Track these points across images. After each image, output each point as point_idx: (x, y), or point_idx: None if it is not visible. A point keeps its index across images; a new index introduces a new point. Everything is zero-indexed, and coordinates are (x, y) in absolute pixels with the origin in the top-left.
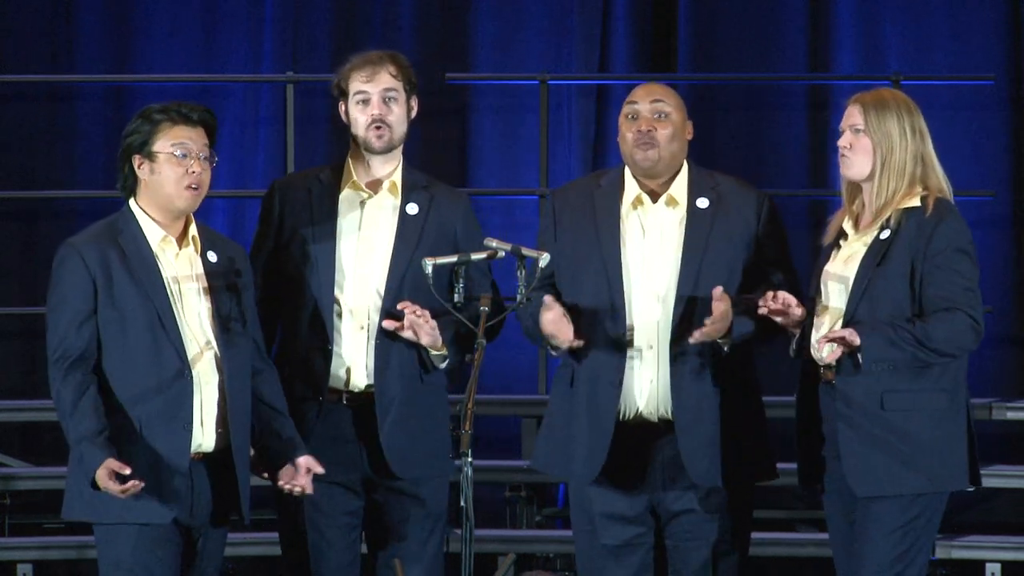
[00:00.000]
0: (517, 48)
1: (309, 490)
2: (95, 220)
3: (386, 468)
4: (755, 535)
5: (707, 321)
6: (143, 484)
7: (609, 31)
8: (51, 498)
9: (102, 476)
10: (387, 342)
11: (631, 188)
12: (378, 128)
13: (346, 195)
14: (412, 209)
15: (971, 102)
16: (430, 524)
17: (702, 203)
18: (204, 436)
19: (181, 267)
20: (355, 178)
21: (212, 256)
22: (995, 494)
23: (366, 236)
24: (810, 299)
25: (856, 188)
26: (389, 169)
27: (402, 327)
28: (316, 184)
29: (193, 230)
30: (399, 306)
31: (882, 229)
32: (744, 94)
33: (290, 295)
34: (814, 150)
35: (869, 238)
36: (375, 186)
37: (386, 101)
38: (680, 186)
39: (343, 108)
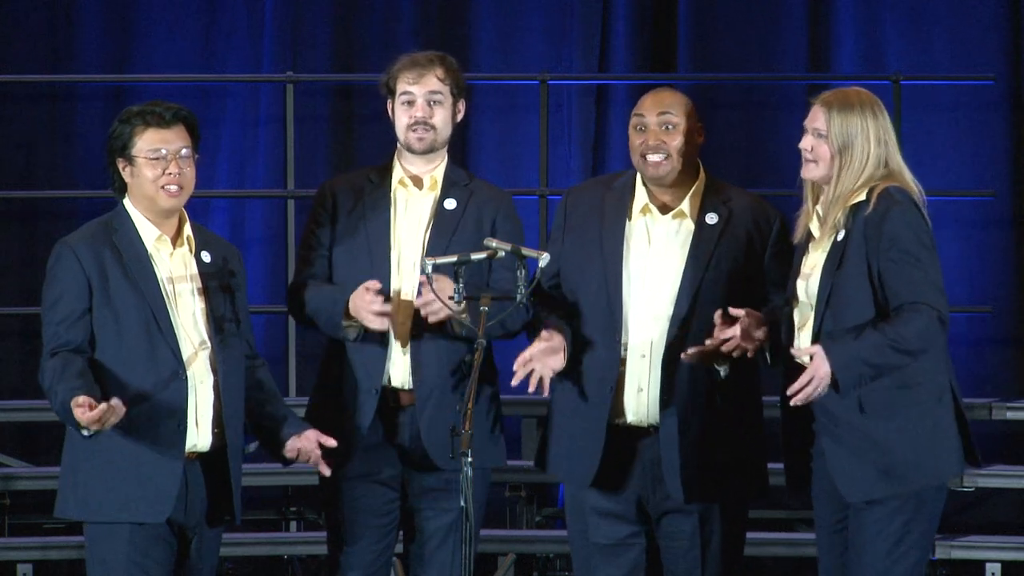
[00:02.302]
0: (517, 48)
1: (323, 467)
2: None
3: (426, 464)
4: (755, 535)
5: (710, 341)
6: (120, 406)
7: (609, 31)
8: (51, 498)
9: (77, 413)
10: (424, 335)
11: (640, 197)
12: (418, 130)
13: (396, 193)
14: (450, 204)
15: (971, 102)
16: (459, 530)
17: (711, 218)
18: (199, 436)
19: (176, 267)
20: (403, 176)
21: (206, 256)
22: (995, 494)
23: (407, 231)
24: (787, 302)
25: (819, 187)
26: (432, 166)
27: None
28: (367, 184)
29: (188, 230)
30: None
31: (837, 232)
32: (744, 94)
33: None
34: None
35: (828, 243)
36: (420, 183)
37: (430, 104)
38: (691, 200)
39: (389, 107)
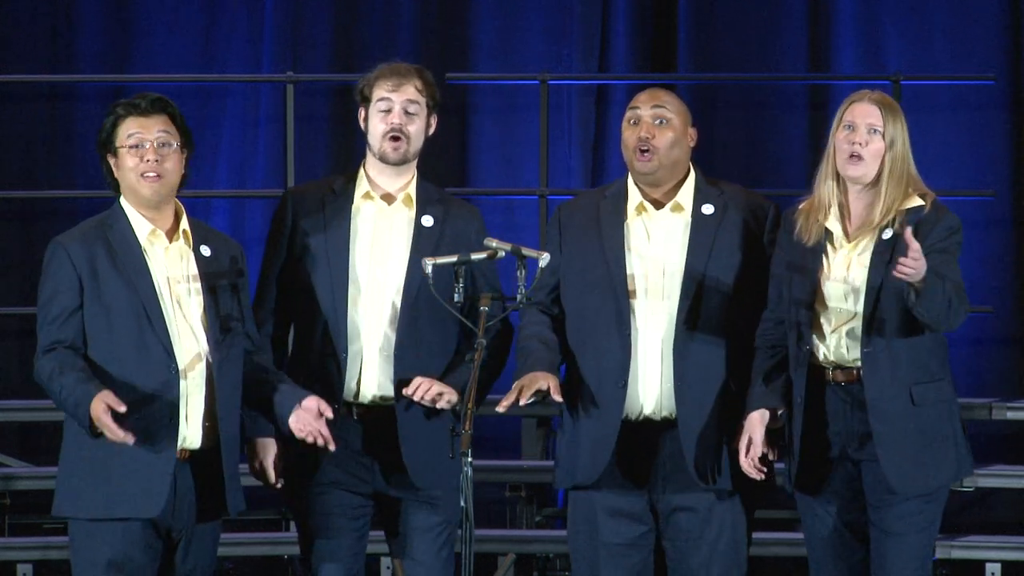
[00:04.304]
0: (517, 48)
1: (330, 443)
2: None
3: (400, 480)
4: (755, 535)
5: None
6: (133, 438)
7: (609, 31)
8: (51, 498)
9: (96, 409)
10: (404, 353)
11: (634, 197)
12: (395, 139)
13: (360, 206)
14: (427, 221)
15: (971, 102)
16: (447, 531)
17: (707, 209)
18: (189, 432)
19: (171, 261)
20: (369, 189)
21: (205, 250)
22: (995, 494)
23: (381, 247)
24: (802, 304)
25: (844, 187)
26: (403, 181)
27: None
28: (330, 194)
29: (184, 224)
30: (406, 392)
31: (883, 230)
32: (744, 94)
33: (304, 305)
34: (814, 150)
35: (869, 240)
36: (390, 198)
37: (407, 112)
38: (686, 193)
39: (362, 115)
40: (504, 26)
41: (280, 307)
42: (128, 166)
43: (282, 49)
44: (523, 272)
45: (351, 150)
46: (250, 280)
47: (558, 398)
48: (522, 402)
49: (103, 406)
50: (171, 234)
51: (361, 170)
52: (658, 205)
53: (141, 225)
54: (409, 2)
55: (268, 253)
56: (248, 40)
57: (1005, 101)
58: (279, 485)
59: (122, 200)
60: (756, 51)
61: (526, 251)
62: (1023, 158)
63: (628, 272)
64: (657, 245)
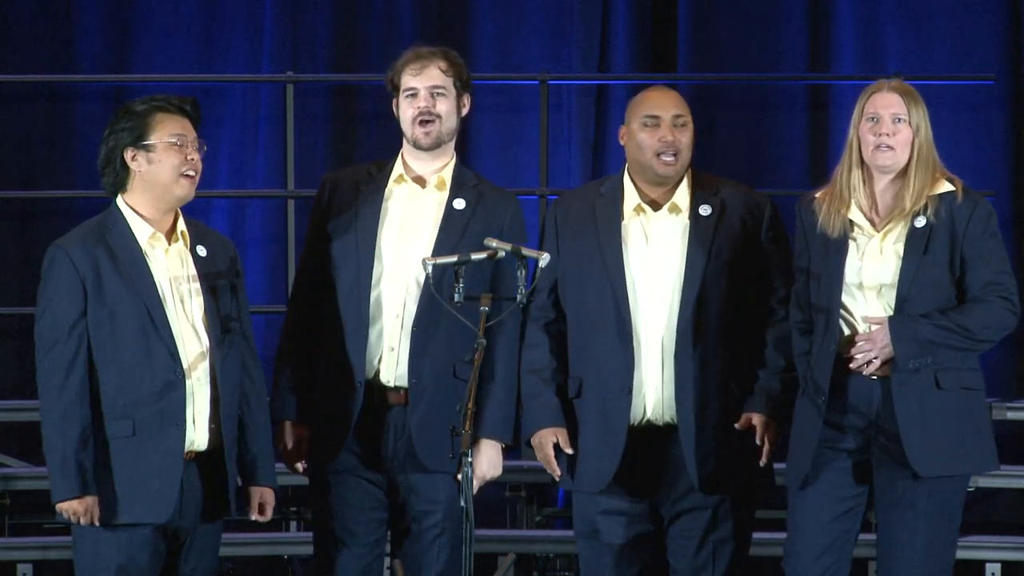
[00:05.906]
0: (517, 48)
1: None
2: None
3: (413, 463)
4: (755, 535)
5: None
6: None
7: (609, 31)
8: (51, 498)
9: (78, 509)
10: (423, 332)
11: (631, 196)
12: (424, 123)
13: (393, 189)
14: (459, 204)
15: (971, 102)
16: (447, 531)
17: (705, 210)
18: (196, 433)
19: (172, 263)
20: (402, 172)
21: (202, 250)
22: (995, 494)
23: (409, 228)
24: (833, 293)
25: (870, 176)
26: (439, 165)
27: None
28: (365, 178)
29: (182, 225)
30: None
31: (915, 217)
32: (744, 94)
33: (331, 285)
34: (814, 150)
35: (900, 230)
36: (422, 181)
37: (433, 95)
38: (682, 193)
39: (395, 103)
40: (504, 26)
41: (312, 291)
42: (172, 163)
43: (282, 49)
44: (523, 272)
45: (351, 150)
46: (247, 281)
47: (569, 451)
48: (558, 475)
49: (87, 510)
50: (169, 235)
51: (400, 156)
52: (655, 206)
53: (141, 228)
54: (409, 2)
55: (307, 241)
56: (248, 40)
57: (1005, 101)
58: (300, 469)
59: (119, 201)
60: (756, 51)
61: (526, 251)
62: (1023, 158)
63: (627, 276)
64: (655, 248)
